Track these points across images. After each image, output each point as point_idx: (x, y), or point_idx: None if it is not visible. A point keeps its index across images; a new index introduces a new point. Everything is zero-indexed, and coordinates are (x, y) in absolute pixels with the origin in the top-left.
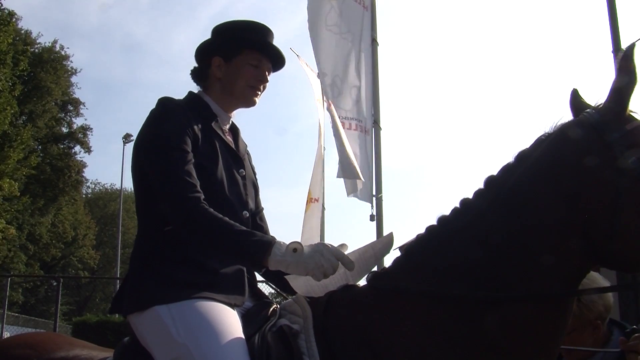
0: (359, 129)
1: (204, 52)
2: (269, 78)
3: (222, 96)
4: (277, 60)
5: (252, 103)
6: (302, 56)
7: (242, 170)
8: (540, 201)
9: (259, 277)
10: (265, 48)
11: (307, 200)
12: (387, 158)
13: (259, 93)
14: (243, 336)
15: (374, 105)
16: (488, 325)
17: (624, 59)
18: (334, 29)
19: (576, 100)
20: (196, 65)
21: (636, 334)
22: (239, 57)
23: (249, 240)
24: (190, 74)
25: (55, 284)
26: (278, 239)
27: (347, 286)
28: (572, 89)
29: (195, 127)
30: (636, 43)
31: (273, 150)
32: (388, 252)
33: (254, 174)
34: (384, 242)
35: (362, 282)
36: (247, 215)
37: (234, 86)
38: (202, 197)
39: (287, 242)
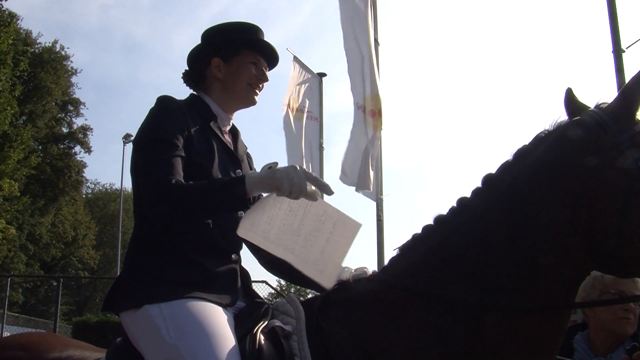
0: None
1: (200, 55)
2: (268, 77)
3: (223, 97)
4: (272, 59)
5: (252, 102)
6: (299, 56)
7: (238, 170)
8: (542, 200)
9: (255, 277)
10: (263, 47)
11: None
12: (387, 158)
13: (258, 92)
14: (235, 338)
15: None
16: (486, 328)
17: None
18: None
19: (571, 100)
20: (187, 69)
21: (638, 352)
22: (237, 58)
23: (224, 182)
24: (183, 77)
25: (55, 284)
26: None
27: (342, 285)
28: (566, 88)
29: (192, 125)
30: None
31: (273, 150)
32: (351, 240)
33: None
34: (343, 225)
35: (333, 279)
36: (243, 215)
37: (235, 85)
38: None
39: None
